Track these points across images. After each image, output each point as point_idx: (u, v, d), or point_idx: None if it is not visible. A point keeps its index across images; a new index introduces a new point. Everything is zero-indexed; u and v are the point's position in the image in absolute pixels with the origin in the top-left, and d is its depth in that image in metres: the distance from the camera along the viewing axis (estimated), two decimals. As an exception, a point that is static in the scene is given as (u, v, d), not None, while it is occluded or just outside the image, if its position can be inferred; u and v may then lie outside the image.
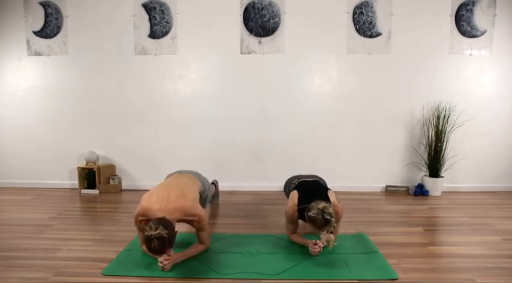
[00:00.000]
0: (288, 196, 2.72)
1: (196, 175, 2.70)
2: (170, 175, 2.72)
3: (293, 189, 2.50)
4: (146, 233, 1.86)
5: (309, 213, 2.07)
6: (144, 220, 2.08)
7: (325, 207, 2.04)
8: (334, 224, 2.08)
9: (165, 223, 1.92)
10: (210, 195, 2.85)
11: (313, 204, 2.10)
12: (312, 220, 2.06)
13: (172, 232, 1.93)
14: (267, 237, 2.60)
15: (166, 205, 2.10)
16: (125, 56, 4.04)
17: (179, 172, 2.75)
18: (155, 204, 2.10)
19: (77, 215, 3.19)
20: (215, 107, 4.06)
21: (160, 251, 1.89)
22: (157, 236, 1.83)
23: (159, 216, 2.01)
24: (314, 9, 3.90)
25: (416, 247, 2.43)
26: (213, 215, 3.16)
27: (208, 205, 2.95)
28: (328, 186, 2.69)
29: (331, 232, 2.08)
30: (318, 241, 2.19)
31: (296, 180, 2.70)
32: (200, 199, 2.50)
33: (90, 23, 4.02)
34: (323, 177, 2.89)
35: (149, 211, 2.08)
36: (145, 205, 2.12)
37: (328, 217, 2.02)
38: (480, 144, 4.02)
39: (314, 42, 3.94)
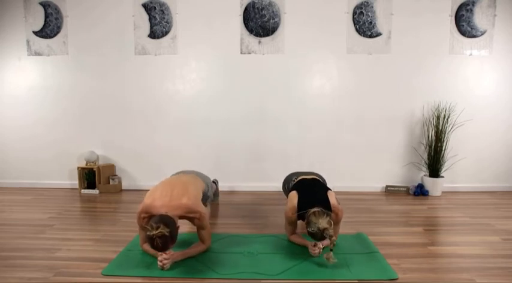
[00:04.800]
0: (286, 195, 2.71)
1: (199, 175, 2.72)
2: (174, 175, 2.75)
3: (292, 188, 2.49)
4: (148, 233, 1.87)
5: (308, 229, 2.07)
6: (146, 218, 2.08)
7: (325, 228, 2.01)
8: (334, 242, 2.09)
9: (166, 220, 1.93)
10: (212, 196, 2.87)
11: (313, 218, 2.05)
12: (311, 234, 2.08)
13: (174, 229, 1.94)
14: (267, 237, 2.61)
15: (169, 201, 2.11)
16: (125, 56, 4.04)
17: (183, 172, 2.80)
18: (158, 200, 2.11)
19: (77, 215, 3.19)
20: (215, 106, 4.06)
21: (163, 248, 1.93)
22: (159, 235, 1.86)
23: (161, 213, 2.02)
24: (314, 9, 3.90)
25: (416, 247, 2.43)
26: (213, 215, 3.16)
27: (208, 205, 2.95)
28: (328, 186, 2.67)
29: (331, 250, 2.08)
30: (317, 243, 2.19)
31: (295, 177, 2.69)
32: (203, 198, 2.51)
33: (90, 23, 4.02)
34: (323, 177, 2.88)
35: (152, 208, 2.09)
36: (148, 202, 2.12)
37: (326, 236, 2.03)
38: (480, 144, 4.02)
39: (314, 42, 3.94)
